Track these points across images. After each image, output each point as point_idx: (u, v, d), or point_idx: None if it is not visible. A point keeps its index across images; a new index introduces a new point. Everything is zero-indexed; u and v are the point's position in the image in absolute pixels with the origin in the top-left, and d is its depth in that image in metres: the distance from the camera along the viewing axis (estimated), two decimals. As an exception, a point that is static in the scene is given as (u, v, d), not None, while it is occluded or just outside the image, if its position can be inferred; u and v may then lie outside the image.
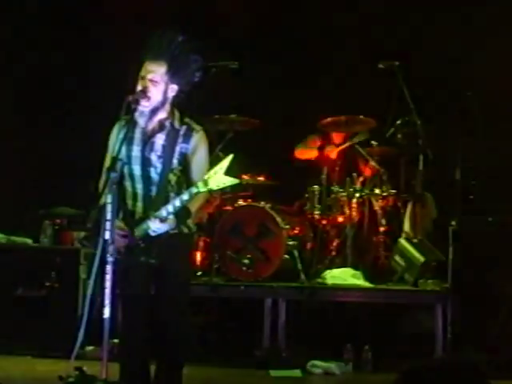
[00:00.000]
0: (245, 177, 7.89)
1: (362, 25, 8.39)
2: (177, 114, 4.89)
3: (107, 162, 4.80)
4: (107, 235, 4.35)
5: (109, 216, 4.36)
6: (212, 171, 4.53)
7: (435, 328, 6.78)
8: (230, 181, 4.56)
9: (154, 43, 4.79)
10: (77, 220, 7.63)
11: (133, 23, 8.06)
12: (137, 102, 4.70)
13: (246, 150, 6.92)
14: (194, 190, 4.58)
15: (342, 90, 8.19)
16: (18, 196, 8.36)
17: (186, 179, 4.84)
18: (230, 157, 4.56)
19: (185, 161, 4.83)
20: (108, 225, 4.36)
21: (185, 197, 4.61)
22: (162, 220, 4.63)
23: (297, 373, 6.56)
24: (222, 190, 4.71)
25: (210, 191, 4.63)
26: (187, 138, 4.83)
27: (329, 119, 7.81)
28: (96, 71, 8.38)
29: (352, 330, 7.03)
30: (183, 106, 4.92)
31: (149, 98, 4.72)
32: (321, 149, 8.16)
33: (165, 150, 4.80)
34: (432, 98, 8.01)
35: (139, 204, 4.83)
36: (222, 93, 7.95)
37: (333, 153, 7.99)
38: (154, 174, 4.81)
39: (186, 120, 4.90)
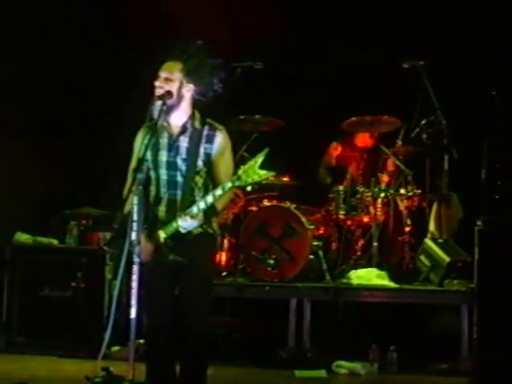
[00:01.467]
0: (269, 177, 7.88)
1: (386, 24, 8.36)
2: (197, 115, 4.88)
3: (133, 165, 4.83)
4: (133, 236, 4.37)
5: (135, 217, 4.37)
6: (246, 165, 4.48)
7: (461, 329, 6.75)
8: (265, 174, 4.49)
9: (172, 46, 4.84)
10: (102, 221, 7.67)
11: (159, 34, 8.06)
12: (162, 98, 4.71)
13: (271, 150, 6.91)
14: (228, 184, 4.55)
15: (366, 90, 8.15)
16: (43, 197, 8.40)
17: (211, 180, 4.83)
18: (265, 151, 4.48)
19: (210, 161, 4.83)
20: (134, 226, 4.37)
21: (218, 192, 4.59)
22: (193, 216, 4.62)
23: (322, 373, 6.55)
24: (255, 185, 4.62)
25: (244, 186, 4.57)
26: (211, 138, 4.83)
27: (353, 119, 7.79)
28: (122, 76, 8.40)
29: (377, 331, 7.00)
30: (207, 110, 4.92)
31: (170, 94, 4.73)
32: (341, 156, 8.19)
33: (189, 153, 4.80)
34: (457, 98, 7.95)
35: (162, 208, 4.83)
36: (246, 93, 7.96)
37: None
38: (180, 178, 4.81)
39: (208, 121, 4.89)
